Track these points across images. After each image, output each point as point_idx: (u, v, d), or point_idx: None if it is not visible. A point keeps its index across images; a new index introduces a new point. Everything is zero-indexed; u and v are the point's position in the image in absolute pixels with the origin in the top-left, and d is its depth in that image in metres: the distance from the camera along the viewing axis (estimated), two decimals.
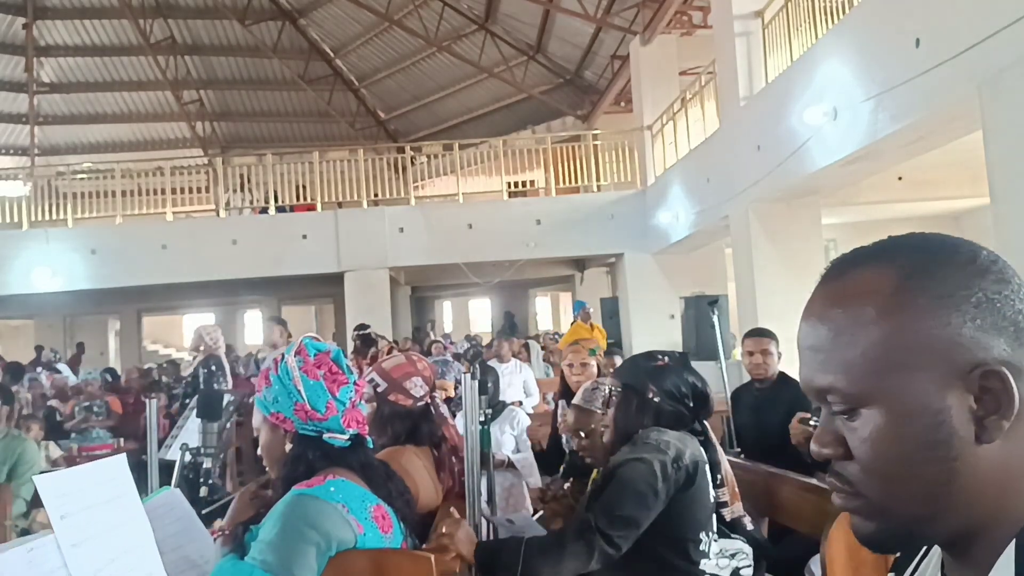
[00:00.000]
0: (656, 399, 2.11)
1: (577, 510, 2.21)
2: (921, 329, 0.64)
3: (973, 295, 0.64)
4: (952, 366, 0.63)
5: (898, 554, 0.79)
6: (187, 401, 5.72)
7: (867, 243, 0.71)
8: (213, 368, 5.95)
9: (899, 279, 0.65)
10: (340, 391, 1.73)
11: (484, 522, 2.51)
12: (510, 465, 4.14)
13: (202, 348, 6.03)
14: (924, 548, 0.75)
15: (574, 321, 10.09)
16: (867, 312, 0.65)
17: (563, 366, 4.06)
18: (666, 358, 2.20)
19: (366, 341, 6.99)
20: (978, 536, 0.65)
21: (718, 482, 2.09)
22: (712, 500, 2.05)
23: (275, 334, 6.75)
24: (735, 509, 2.11)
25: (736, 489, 2.14)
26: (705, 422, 2.18)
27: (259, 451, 1.83)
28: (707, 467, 2.03)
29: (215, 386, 5.90)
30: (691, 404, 2.13)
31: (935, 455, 0.63)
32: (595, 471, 2.59)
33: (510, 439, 4.29)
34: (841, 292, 0.68)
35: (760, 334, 3.89)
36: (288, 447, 1.74)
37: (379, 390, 2.29)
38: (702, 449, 2.06)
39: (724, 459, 2.16)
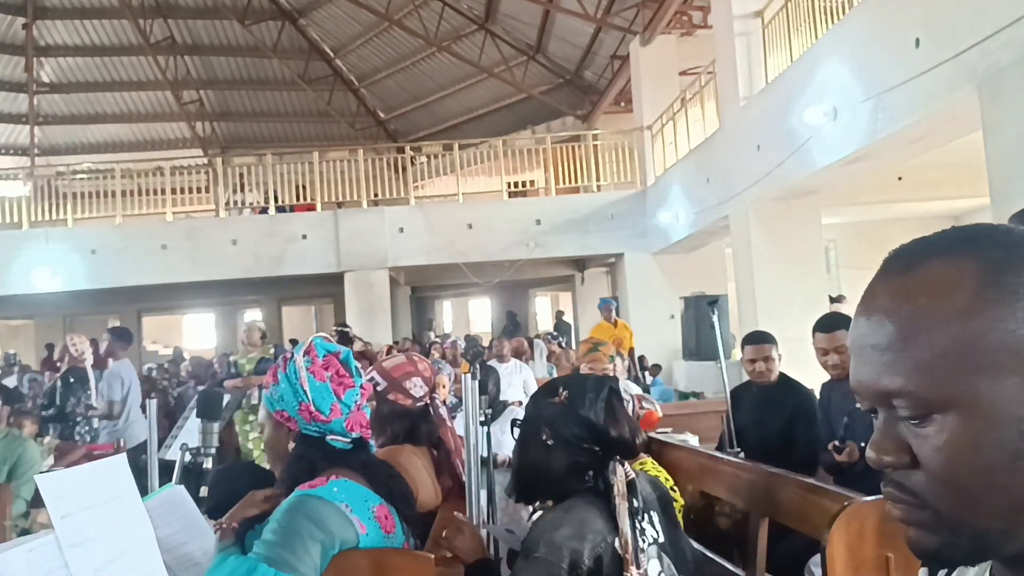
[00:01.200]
0: (550, 442, 1.82)
1: None
2: (1008, 329, 0.58)
3: None
4: None
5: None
6: (49, 413, 5.57)
7: (929, 234, 0.65)
8: (72, 381, 5.61)
9: (982, 274, 0.59)
10: (346, 394, 1.74)
11: (483, 531, 2.51)
12: (510, 465, 4.13)
13: (66, 359, 5.70)
14: None
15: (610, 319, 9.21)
16: (947, 309, 0.59)
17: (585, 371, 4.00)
18: (565, 392, 1.86)
19: (343, 340, 7.03)
20: None
21: (616, 531, 1.71)
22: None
23: (255, 336, 6.67)
24: (635, 573, 1.78)
25: (631, 551, 1.73)
26: (621, 467, 1.79)
27: (262, 446, 1.84)
28: (612, 551, 1.67)
29: (72, 401, 5.61)
30: (596, 448, 1.80)
31: (1018, 466, 0.58)
32: None
33: (511, 440, 4.27)
34: (914, 286, 0.61)
35: (760, 340, 3.81)
36: (291, 446, 1.75)
37: (379, 389, 2.30)
38: (603, 520, 1.70)
39: (627, 524, 1.69)
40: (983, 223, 0.65)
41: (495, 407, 4.17)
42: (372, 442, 1.89)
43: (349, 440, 1.74)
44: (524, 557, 1.69)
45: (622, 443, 1.82)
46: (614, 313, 9.07)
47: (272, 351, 6.45)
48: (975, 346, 0.59)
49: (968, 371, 0.59)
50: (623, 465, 1.80)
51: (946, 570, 0.73)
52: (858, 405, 0.67)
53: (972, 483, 0.59)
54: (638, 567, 1.66)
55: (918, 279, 0.62)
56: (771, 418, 3.70)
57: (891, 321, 0.62)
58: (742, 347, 3.93)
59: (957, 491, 0.60)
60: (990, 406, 0.58)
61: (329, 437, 1.72)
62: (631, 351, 8.47)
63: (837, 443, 3.03)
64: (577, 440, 1.80)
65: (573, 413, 1.82)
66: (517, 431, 1.96)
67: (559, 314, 16.27)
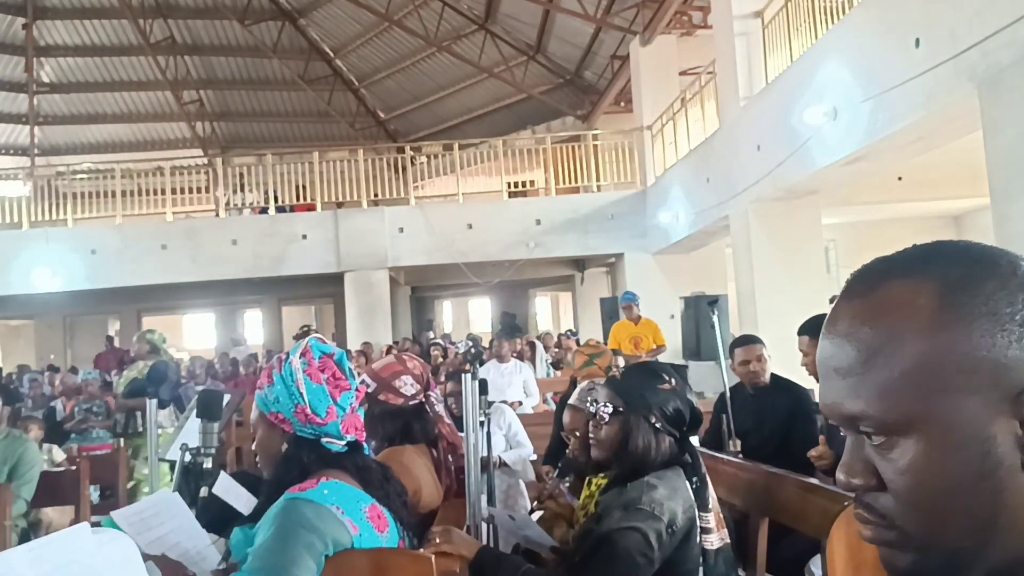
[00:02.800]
0: (658, 425, 1.98)
1: (578, 534, 2.08)
2: (965, 350, 0.58)
3: (1018, 312, 0.58)
4: (998, 390, 0.58)
5: None
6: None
7: (890, 251, 0.66)
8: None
9: (939, 294, 0.59)
10: (341, 397, 1.73)
11: (484, 521, 2.51)
12: (502, 464, 4.11)
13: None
14: None
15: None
16: (905, 331, 0.59)
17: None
18: (672, 380, 2.05)
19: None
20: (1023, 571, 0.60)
21: (708, 507, 1.97)
22: (699, 547, 1.94)
23: (143, 348, 6.42)
24: (722, 535, 2.01)
25: (721, 516, 2.06)
26: (693, 442, 2.06)
27: (253, 447, 1.83)
28: (697, 515, 1.92)
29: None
30: (684, 428, 2.02)
31: (982, 487, 0.58)
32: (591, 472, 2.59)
33: (500, 438, 4.26)
34: (873, 308, 0.62)
35: (749, 341, 3.86)
36: (284, 447, 1.73)
37: (369, 390, 2.30)
38: (690, 490, 1.94)
39: (711, 484, 2.02)
40: (945, 240, 0.65)
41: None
42: (367, 445, 1.88)
43: (344, 443, 1.74)
44: (624, 508, 1.87)
45: (701, 420, 2.09)
46: (636, 310, 8.44)
47: (147, 371, 5.97)
48: (933, 368, 0.59)
49: (927, 393, 0.59)
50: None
51: None
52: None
53: (938, 504, 0.59)
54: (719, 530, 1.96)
55: (876, 302, 0.62)
56: (769, 420, 3.70)
57: (851, 344, 0.62)
58: (731, 353, 3.93)
59: (923, 512, 0.60)
60: (950, 427, 0.58)
61: (324, 440, 1.71)
62: (658, 349, 8.17)
63: (814, 453, 3.10)
64: (679, 421, 2.00)
65: (682, 397, 2.03)
66: (610, 411, 2.06)
67: (504, 315, 16.27)
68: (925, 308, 0.60)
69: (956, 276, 0.60)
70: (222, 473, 2.21)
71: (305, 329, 10.05)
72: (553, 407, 6.87)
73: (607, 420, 2.03)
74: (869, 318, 0.62)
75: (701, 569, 1.93)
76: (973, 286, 0.59)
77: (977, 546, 0.59)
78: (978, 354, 0.58)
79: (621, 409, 2.01)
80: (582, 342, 10.69)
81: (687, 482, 1.96)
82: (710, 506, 1.98)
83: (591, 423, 2.10)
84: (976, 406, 0.58)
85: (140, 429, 5.84)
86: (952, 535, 0.59)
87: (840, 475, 0.65)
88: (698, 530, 1.93)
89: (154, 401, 3.22)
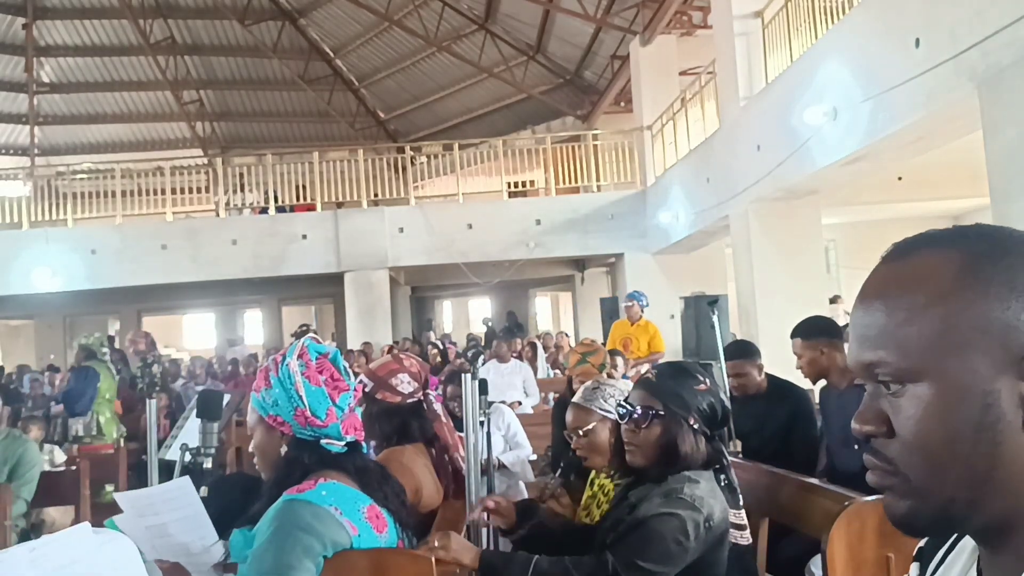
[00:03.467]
0: (696, 426, 1.97)
1: (598, 538, 2.07)
2: (980, 311, 0.64)
3: None
4: (1007, 351, 0.63)
5: (923, 543, 0.79)
6: None
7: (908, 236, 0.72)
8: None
9: (962, 263, 0.66)
10: (340, 397, 1.72)
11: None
12: (501, 466, 4.10)
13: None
14: (952, 540, 0.75)
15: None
16: (927, 292, 0.66)
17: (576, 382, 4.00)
18: (706, 380, 2.05)
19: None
20: (1018, 527, 0.64)
21: (739, 504, 1.99)
22: (727, 551, 1.96)
23: (80, 356, 6.52)
24: (748, 535, 2.03)
25: (745, 520, 2.07)
26: (722, 443, 2.06)
27: (251, 449, 1.82)
28: (730, 515, 1.94)
29: None
30: (715, 426, 2.03)
31: (980, 438, 0.63)
32: (593, 473, 2.58)
33: (499, 439, 4.25)
34: (902, 272, 0.68)
35: (734, 355, 3.80)
36: (283, 450, 1.72)
37: (367, 390, 2.30)
38: (722, 495, 1.97)
39: (736, 481, 2.05)
40: (984, 224, 0.70)
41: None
42: (366, 444, 1.88)
43: (343, 444, 1.73)
44: (664, 496, 1.88)
45: (729, 418, 2.10)
46: (637, 309, 8.15)
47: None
48: (949, 325, 0.64)
49: (940, 348, 0.64)
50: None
51: (936, 560, 0.76)
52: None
53: (938, 452, 0.64)
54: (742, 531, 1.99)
55: (907, 267, 0.68)
56: (769, 422, 3.70)
57: (880, 302, 0.68)
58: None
59: (925, 459, 0.65)
60: (958, 381, 0.64)
61: (323, 441, 1.70)
62: (654, 355, 7.75)
63: None
64: (713, 420, 2.00)
65: (716, 397, 2.03)
66: (647, 415, 2.03)
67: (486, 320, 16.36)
68: (948, 272, 0.66)
69: (981, 249, 0.66)
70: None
71: (304, 328, 10.07)
72: (552, 406, 6.86)
73: (646, 424, 1.99)
74: (897, 281, 0.68)
75: (730, 565, 1.95)
76: (995, 258, 0.65)
77: (972, 497, 0.64)
78: (991, 315, 0.64)
79: (662, 412, 1.98)
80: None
81: (718, 484, 1.97)
82: (741, 503, 2.00)
83: (625, 428, 2.05)
84: (984, 363, 0.63)
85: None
86: (949, 484, 0.64)
87: (854, 423, 0.70)
88: (730, 534, 1.94)
89: (154, 402, 3.21)
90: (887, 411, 0.68)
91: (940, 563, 0.76)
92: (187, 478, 2.02)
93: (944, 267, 0.66)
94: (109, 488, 4.89)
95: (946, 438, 0.64)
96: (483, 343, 12.11)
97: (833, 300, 12.71)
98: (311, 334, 1.87)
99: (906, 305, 0.66)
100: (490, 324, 15.89)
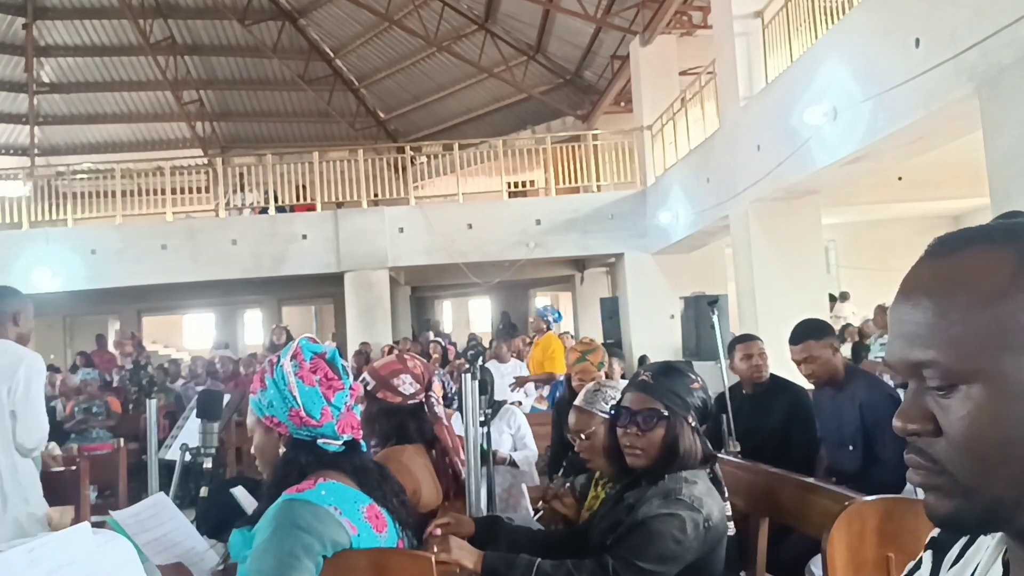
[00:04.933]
0: (694, 424, 2.01)
1: (593, 537, 2.07)
2: None
3: None
4: None
5: (935, 532, 0.79)
6: None
7: (964, 229, 0.71)
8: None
9: (1017, 262, 0.64)
10: (335, 397, 1.72)
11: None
12: (512, 463, 4.14)
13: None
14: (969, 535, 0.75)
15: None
16: (982, 290, 0.64)
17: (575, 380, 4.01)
18: (698, 379, 2.08)
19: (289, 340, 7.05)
20: None
21: (725, 495, 2.03)
22: (724, 549, 1.99)
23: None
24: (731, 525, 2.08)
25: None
26: (728, 432, 2.14)
27: (252, 450, 1.83)
28: (725, 516, 1.97)
29: None
30: (703, 421, 2.07)
31: None
32: (598, 474, 2.58)
33: (508, 438, 4.29)
34: (953, 269, 0.67)
35: (749, 338, 3.89)
36: (281, 450, 1.73)
37: (368, 388, 2.29)
38: (715, 490, 2.00)
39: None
40: None
41: (492, 406, 4.17)
42: (364, 443, 1.88)
43: (341, 443, 1.73)
44: (663, 497, 1.90)
45: (712, 414, 2.15)
46: (540, 324, 7.18)
47: None
48: (1004, 325, 0.63)
49: (996, 348, 0.63)
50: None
51: (955, 553, 0.76)
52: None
53: (990, 452, 0.63)
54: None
55: (957, 263, 0.67)
56: (768, 420, 3.70)
57: (929, 299, 0.67)
58: (730, 352, 3.93)
59: (975, 459, 0.64)
60: (1014, 381, 0.63)
61: (320, 440, 1.71)
62: (549, 377, 6.82)
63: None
64: (705, 417, 2.05)
65: (707, 394, 2.08)
66: (652, 418, 2.05)
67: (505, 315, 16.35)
68: (1001, 272, 0.64)
69: None
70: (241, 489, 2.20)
71: (278, 327, 10.14)
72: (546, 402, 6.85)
73: (651, 427, 2.00)
74: (948, 277, 0.67)
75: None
76: None
77: (1021, 497, 0.63)
78: None
79: (664, 413, 2.00)
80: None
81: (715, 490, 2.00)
82: (726, 495, 2.03)
83: (625, 431, 2.05)
84: None
85: None
86: (999, 483, 0.64)
87: (897, 421, 0.69)
88: (727, 533, 1.96)
89: (154, 401, 3.22)
90: (933, 410, 0.66)
91: (959, 556, 0.75)
92: (161, 494, 2.04)
93: (998, 266, 0.65)
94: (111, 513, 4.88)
95: (999, 439, 0.63)
96: (493, 337, 12.09)
97: (843, 298, 12.71)
98: (307, 335, 1.87)
99: (960, 304, 0.65)
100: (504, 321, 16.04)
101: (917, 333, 0.66)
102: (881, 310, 8.90)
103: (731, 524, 2.02)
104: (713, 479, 2.02)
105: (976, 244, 0.67)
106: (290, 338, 6.77)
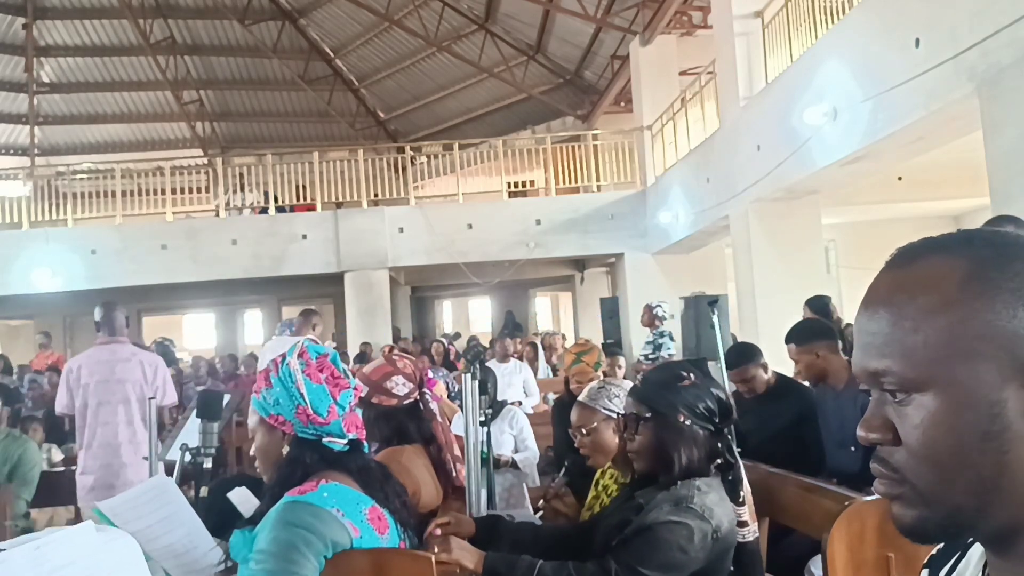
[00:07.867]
0: (687, 422, 1.95)
1: (598, 533, 2.04)
2: (987, 319, 0.63)
3: None
4: (1013, 360, 0.62)
5: (934, 551, 0.79)
6: None
7: (933, 234, 0.71)
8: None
9: (969, 269, 0.65)
10: (341, 395, 1.73)
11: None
12: (513, 465, 4.15)
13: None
14: (961, 549, 0.75)
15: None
16: (933, 299, 0.65)
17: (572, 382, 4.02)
18: (691, 375, 2.02)
19: None
20: None
21: (740, 500, 1.98)
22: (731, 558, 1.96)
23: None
24: (753, 530, 2.01)
25: (753, 509, 2.05)
26: (729, 435, 2.02)
27: (252, 452, 1.82)
28: (735, 527, 1.93)
29: None
30: (717, 420, 1.99)
31: (987, 446, 0.62)
32: (598, 473, 2.59)
33: (509, 439, 4.30)
34: (908, 278, 0.67)
35: (740, 363, 3.77)
36: (285, 449, 1.73)
37: (362, 395, 2.29)
38: (728, 500, 1.95)
39: (744, 477, 2.03)
40: (986, 228, 0.70)
41: (493, 407, 4.18)
42: (366, 444, 1.88)
43: (345, 441, 1.73)
44: (675, 504, 1.86)
45: (731, 410, 2.03)
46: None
47: None
48: (956, 333, 0.64)
49: (947, 355, 0.64)
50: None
51: (947, 570, 0.76)
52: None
53: (946, 460, 0.64)
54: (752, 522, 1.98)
55: (912, 272, 0.67)
56: (771, 421, 3.69)
57: (884, 309, 0.67)
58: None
59: (932, 467, 0.65)
60: (964, 389, 0.63)
61: (326, 439, 1.71)
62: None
63: None
64: (710, 414, 1.96)
65: (706, 390, 1.99)
66: (634, 420, 2.01)
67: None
68: (954, 279, 0.65)
69: (987, 254, 0.66)
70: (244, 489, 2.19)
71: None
72: (551, 405, 6.85)
73: (635, 430, 1.99)
74: (903, 287, 0.67)
75: (733, 562, 1.94)
76: (1002, 264, 0.65)
77: (979, 505, 0.64)
78: (998, 323, 0.63)
79: (647, 415, 1.97)
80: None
81: (724, 491, 1.95)
82: (741, 499, 1.98)
83: (625, 436, 2.05)
84: (991, 372, 0.63)
85: None
86: (957, 492, 0.64)
87: (860, 431, 0.69)
88: (735, 543, 1.93)
89: (153, 400, 3.21)
90: (892, 419, 0.67)
91: (951, 572, 0.75)
92: (163, 475, 2.02)
93: (950, 274, 0.65)
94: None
95: (953, 447, 0.63)
96: (497, 334, 12.08)
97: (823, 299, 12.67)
98: (309, 336, 1.87)
99: (912, 313, 0.65)
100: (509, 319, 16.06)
101: (874, 343, 0.67)
102: None
103: (750, 530, 1.98)
104: (732, 481, 1.97)
105: (931, 253, 0.67)
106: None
